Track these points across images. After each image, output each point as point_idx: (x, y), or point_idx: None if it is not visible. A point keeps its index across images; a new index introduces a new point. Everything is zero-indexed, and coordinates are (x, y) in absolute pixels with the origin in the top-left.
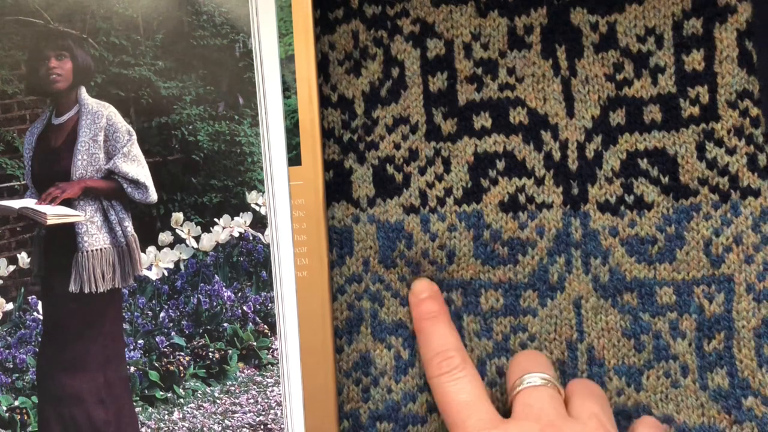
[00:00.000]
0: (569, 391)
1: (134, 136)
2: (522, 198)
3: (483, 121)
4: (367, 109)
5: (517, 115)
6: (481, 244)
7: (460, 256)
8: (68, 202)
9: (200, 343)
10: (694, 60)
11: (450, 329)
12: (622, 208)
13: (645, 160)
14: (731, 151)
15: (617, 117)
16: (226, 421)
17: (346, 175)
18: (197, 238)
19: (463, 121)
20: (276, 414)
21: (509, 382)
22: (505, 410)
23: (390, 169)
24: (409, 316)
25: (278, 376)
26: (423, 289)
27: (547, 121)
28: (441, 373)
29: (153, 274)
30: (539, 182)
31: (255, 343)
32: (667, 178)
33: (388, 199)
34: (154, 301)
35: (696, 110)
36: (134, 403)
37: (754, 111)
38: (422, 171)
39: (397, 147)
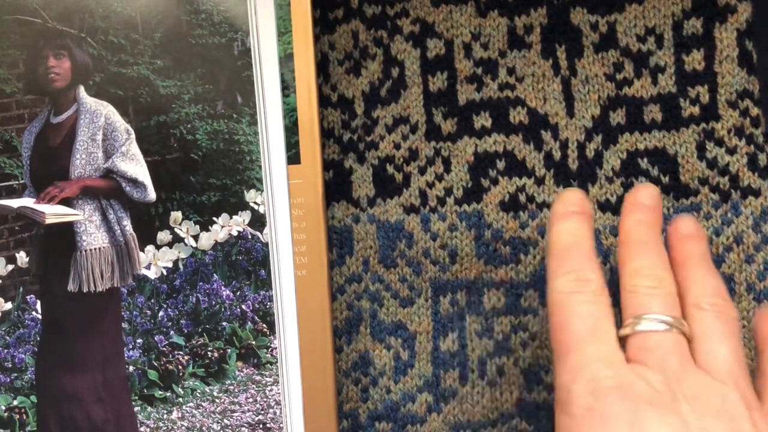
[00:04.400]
0: (698, 330)
1: (133, 135)
2: (523, 198)
3: (483, 120)
4: (367, 109)
5: (517, 115)
6: (483, 244)
7: (463, 255)
8: (67, 201)
9: (199, 342)
10: (694, 60)
11: (593, 250)
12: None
13: (645, 159)
14: (731, 151)
15: (617, 117)
16: (225, 420)
17: (346, 175)
18: (196, 237)
19: (463, 121)
20: (275, 413)
21: (624, 316)
22: (510, 413)
23: (390, 169)
24: (408, 317)
25: (277, 375)
26: (572, 201)
27: (547, 120)
28: (571, 291)
29: (152, 273)
30: (540, 182)
31: (254, 342)
32: (667, 178)
33: (388, 199)
34: (152, 300)
35: (696, 110)
36: (133, 403)
37: (755, 111)
38: (422, 171)
39: (397, 147)
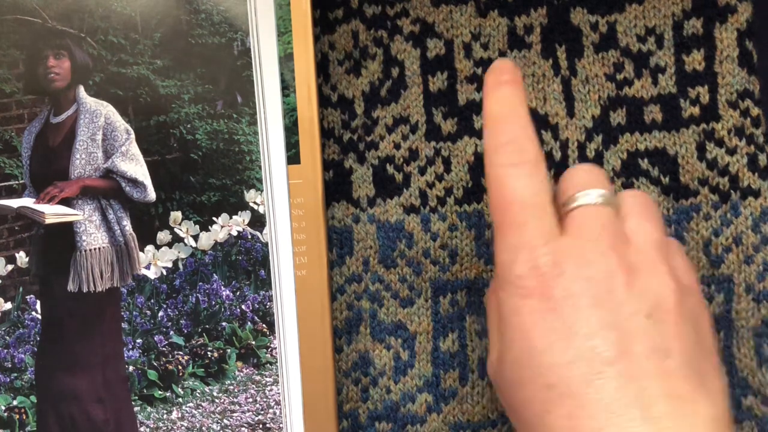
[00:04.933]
0: (625, 208)
1: (132, 135)
2: None
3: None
4: (367, 109)
5: None
6: (483, 244)
7: (463, 255)
8: (66, 201)
9: (199, 342)
10: (695, 60)
11: (529, 120)
12: None
13: (645, 160)
14: (731, 151)
15: (618, 117)
16: (224, 421)
17: (346, 175)
18: (196, 237)
19: (464, 121)
20: (275, 413)
21: (560, 199)
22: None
23: (390, 169)
24: (408, 317)
25: (277, 376)
26: (504, 70)
27: (548, 120)
28: (509, 164)
29: (151, 273)
30: None
31: (254, 342)
32: (667, 179)
33: (388, 199)
34: (152, 300)
35: (696, 110)
36: (133, 403)
37: (755, 111)
38: (422, 171)
39: (397, 147)
